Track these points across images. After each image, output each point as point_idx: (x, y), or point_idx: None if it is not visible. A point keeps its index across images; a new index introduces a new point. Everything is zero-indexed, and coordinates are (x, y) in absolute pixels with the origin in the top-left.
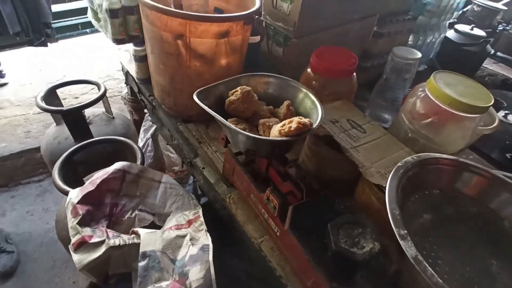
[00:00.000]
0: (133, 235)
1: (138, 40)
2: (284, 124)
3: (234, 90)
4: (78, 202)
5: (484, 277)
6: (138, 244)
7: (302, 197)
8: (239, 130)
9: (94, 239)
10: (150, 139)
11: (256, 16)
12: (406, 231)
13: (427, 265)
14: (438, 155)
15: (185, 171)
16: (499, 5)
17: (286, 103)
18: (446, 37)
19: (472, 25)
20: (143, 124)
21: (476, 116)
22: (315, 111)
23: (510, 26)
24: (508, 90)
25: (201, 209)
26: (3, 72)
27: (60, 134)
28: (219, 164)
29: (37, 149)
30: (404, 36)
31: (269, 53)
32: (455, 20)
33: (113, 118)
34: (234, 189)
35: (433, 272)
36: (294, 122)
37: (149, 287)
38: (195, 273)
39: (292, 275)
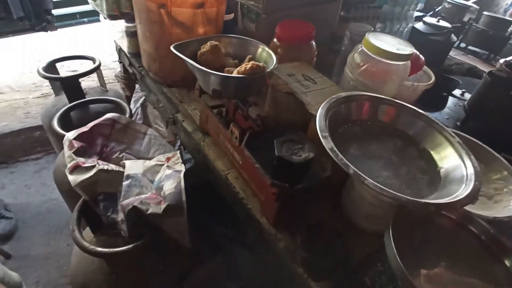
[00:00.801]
0: (119, 166)
1: (129, 17)
2: (241, 66)
3: (204, 44)
4: (74, 139)
5: (393, 176)
6: (123, 172)
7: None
8: (208, 70)
9: (87, 164)
10: (140, 108)
11: None
12: (327, 134)
13: (339, 153)
14: (360, 92)
15: (172, 141)
16: (468, 3)
17: (248, 57)
18: (414, 28)
19: (439, 18)
20: (133, 95)
21: (399, 63)
22: (271, 60)
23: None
24: (472, 77)
25: (178, 150)
26: None
27: (58, 102)
28: (196, 118)
29: (36, 128)
30: (371, 22)
31: (244, 29)
32: (424, 14)
33: (107, 91)
34: (208, 136)
35: (342, 156)
36: (249, 64)
37: (131, 198)
38: (168, 185)
39: (252, 197)
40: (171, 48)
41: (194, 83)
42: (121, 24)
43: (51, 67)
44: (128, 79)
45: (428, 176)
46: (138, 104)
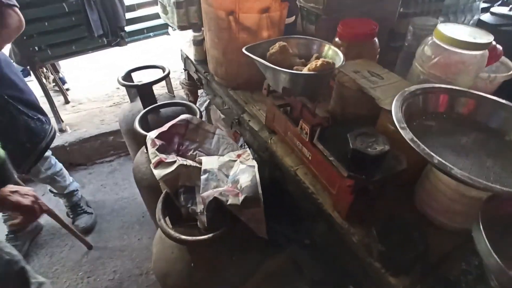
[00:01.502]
0: (196, 162)
1: (197, 27)
2: (312, 63)
3: (273, 45)
4: (155, 137)
5: (479, 168)
6: (199, 168)
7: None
8: (279, 68)
9: (168, 160)
10: (204, 112)
11: None
12: (405, 125)
13: (420, 143)
14: (435, 84)
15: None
16: None
17: (314, 55)
18: (480, 20)
19: (511, 6)
20: (198, 100)
21: (475, 53)
22: (337, 57)
23: None
24: None
25: (248, 149)
26: (64, 78)
27: (133, 108)
28: (262, 118)
29: (110, 133)
30: (432, 17)
31: (303, 31)
32: (491, 4)
33: (174, 96)
34: (274, 134)
35: (424, 146)
36: (319, 61)
37: (210, 190)
38: (244, 179)
39: (322, 191)
40: (243, 50)
41: (257, 85)
42: (183, 35)
43: (127, 77)
44: (192, 85)
45: None
46: (203, 108)
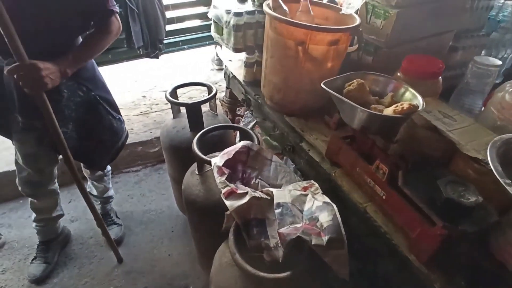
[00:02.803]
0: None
1: (251, 50)
2: (397, 106)
3: (351, 82)
4: (222, 165)
5: None
6: (269, 200)
7: (406, 167)
8: (360, 107)
9: (239, 191)
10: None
11: (360, 29)
12: (510, 181)
13: None
14: None
15: None
16: None
17: (390, 94)
18: None
19: None
20: (242, 120)
21: None
22: (415, 99)
23: None
24: None
25: (316, 184)
26: None
27: (177, 124)
28: (320, 148)
29: (139, 144)
30: (477, 51)
31: (359, 60)
32: None
33: (217, 115)
34: (338, 167)
35: None
36: (405, 104)
37: (286, 226)
38: (324, 217)
39: (395, 231)
40: (322, 85)
41: (311, 113)
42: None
43: (173, 93)
44: (232, 103)
45: None
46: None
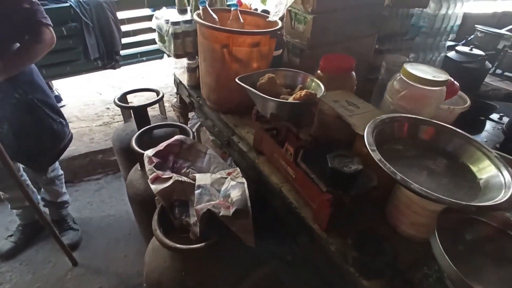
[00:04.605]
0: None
1: (191, 56)
2: (296, 94)
3: (263, 77)
4: (152, 155)
5: (436, 185)
6: (193, 184)
7: (309, 148)
8: (267, 96)
9: (165, 176)
10: (195, 133)
11: (280, 32)
12: (375, 148)
13: (386, 163)
14: (402, 114)
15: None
16: (502, 31)
17: (299, 86)
18: (447, 57)
19: (471, 46)
20: (189, 122)
21: (435, 88)
22: (319, 89)
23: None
24: (510, 101)
25: (237, 167)
26: (60, 96)
27: (127, 128)
28: (250, 140)
29: (99, 152)
30: (404, 53)
31: (289, 62)
32: (456, 43)
33: (166, 118)
34: (261, 155)
35: (390, 165)
36: (303, 91)
37: (203, 203)
38: (235, 193)
39: (304, 206)
40: (236, 80)
41: (245, 110)
42: (176, 63)
43: (123, 98)
44: (183, 108)
45: (468, 186)
46: (194, 129)
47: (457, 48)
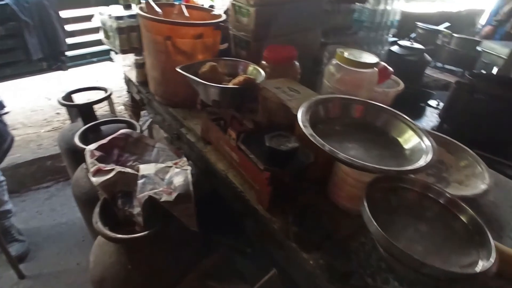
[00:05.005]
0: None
1: (138, 51)
2: (236, 79)
3: (204, 65)
4: (95, 149)
5: (366, 157)
6: (137, 175)
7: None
8: (207, 83)
9: (107, 168)
10: (147, 131)
11: (222, 24)
12: (308, 124)
13: (316, 136)
14: (333, 95)
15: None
16: (440, 27)
17: (241, 74)
18: (390, 50)
19: (412, 41)
20: (140, 119)
21: (365, 70)
22: (260, 75)
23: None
24: (447, 90)
25: (185, 158)
26: (2, 102)
27: (74, 128)
28: (199, 131)
29: (48, 158)
30: (350, 46)
31: (237, 55)
32: (399, 38)
33: (116, 117)
34: (209, 145)
35: (319, 139)
36: (242, 77)
37: (146, 192)
38: (178, 179)
39: (249, 189)
40: (177, 69)
41: (194, 103)
42: (124, 60)
43: (68, 98)
44: (135, 107)
45: (396, 156)
46: (145, 127)
47: (399, 42)
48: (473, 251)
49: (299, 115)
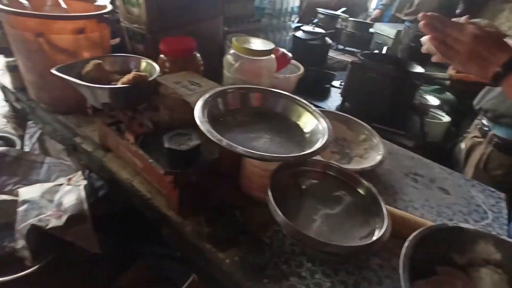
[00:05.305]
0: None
1: (8, 52)
2: (124, 78)
3: (87, 64)
4: None
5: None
6: (14, 201)
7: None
8: (92, 85)
9: None
10: (37, 143)
11: (108, 16)
12: (205, 120)
13: (213, 131)
14: (230, 86)
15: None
16: (337, 12)
17: (134, 71)
18: (294, 36)
19: (314, 26)
20: (26, 132)
21: (262, 58)
22: (154, 70)
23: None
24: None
25: (81, 170)
26: None
27: None
28: (97, 139)
29: None
30: (253, 35)
31: (133, 50)
32: (302, 24)
33: None
34: (110, 152)
35: (217, 134)
36: (131, 74)
37: (30, 221)
38: (68, 199)
39: (158, 196)
40: (52, 70)
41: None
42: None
43: None
44: (18, 117)
45: (297, 141)
46: (34, 140)
47: (302, 28)
48: (371, 221)
49: (196, 111)
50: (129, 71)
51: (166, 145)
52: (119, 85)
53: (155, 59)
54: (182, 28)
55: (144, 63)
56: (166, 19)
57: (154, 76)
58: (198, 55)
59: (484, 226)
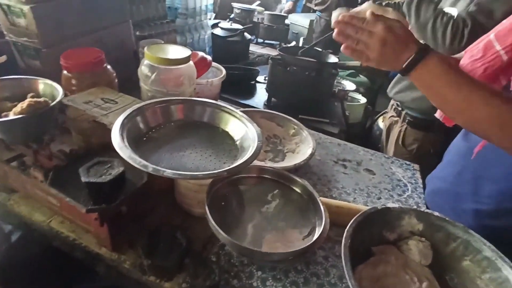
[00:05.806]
0: None
1: None
2: (17, 107)
3: None
4: None
5: (202, 160)
6: None
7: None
8: None
9: None
10: None
11: None
12: (124, 145)
13: (137, 157)
14: (147, 101)
15: None
16: (252, 6)
17: (29, 95)
18: (213, 34)
19: (231, 22)
20: None
21: (179, 66)
22: (56, 92)
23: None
24: None
25: None
26: None
27: None
28: None
29: None
30: (170, 36)
31: (28, 67)
32: (220, 21)
33: None
34: (15, 193)
35: (141, 159)
36: (26, 102)
37: None
38: None
39: (85, 233)
40: None
41: None
42: None
43: None
44: None
45: (229, 150)
46: None
47: (220, 25)
48: (311, 217)
49: (113, 135)
50: (24, 96)
51: (84, 179)
52: (11, 116)
53: (58, 78)
54: (85, 38)
55: (41, 84)
56: (63, 28)
57: (58, 99)
58: (109, 67)
59: (406, 198)
